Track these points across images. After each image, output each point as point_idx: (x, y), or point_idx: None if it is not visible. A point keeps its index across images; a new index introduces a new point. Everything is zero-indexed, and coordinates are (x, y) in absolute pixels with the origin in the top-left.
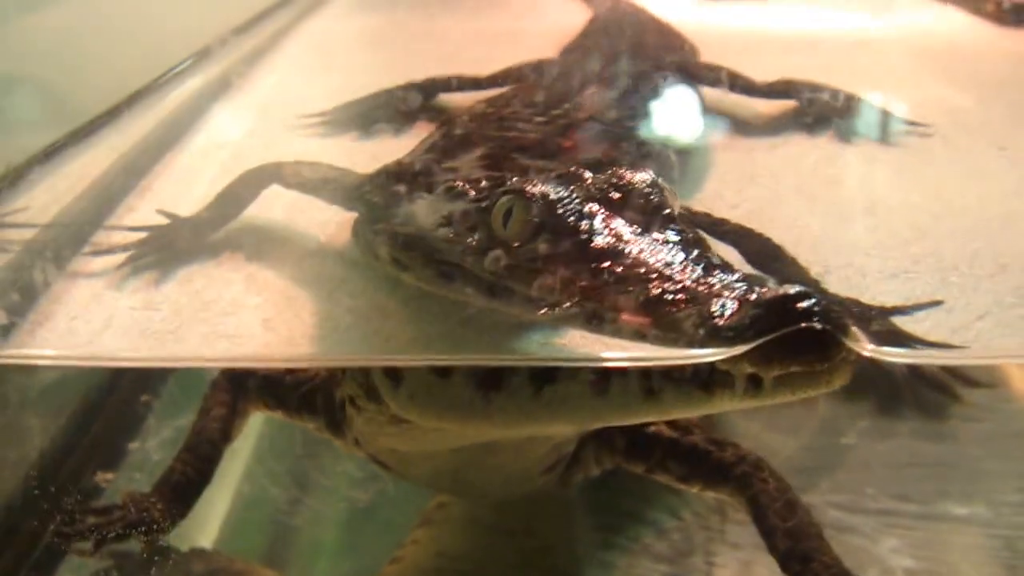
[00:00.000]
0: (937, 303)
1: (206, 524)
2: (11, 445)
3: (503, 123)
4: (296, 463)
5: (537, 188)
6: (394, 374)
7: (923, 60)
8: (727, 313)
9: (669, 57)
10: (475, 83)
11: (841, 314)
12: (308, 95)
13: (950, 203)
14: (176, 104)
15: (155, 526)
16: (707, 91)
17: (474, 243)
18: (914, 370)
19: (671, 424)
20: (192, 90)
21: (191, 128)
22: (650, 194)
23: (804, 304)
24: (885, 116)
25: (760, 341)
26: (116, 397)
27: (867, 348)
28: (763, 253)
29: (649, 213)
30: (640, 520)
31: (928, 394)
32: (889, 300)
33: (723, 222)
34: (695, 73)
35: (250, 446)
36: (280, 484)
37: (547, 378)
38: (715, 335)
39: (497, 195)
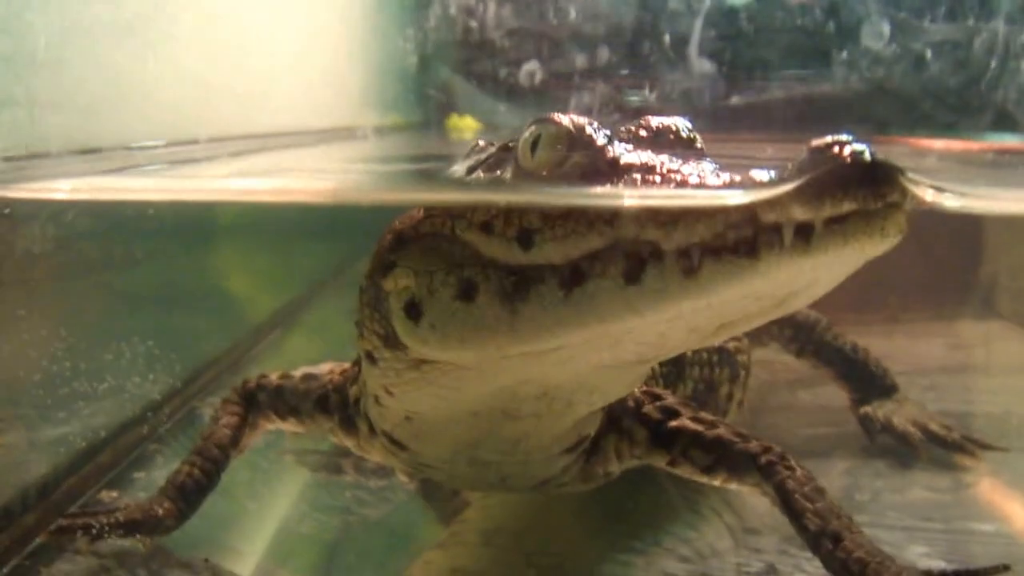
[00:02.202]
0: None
1: None
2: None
3: None
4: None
5: (565, 116)
6: (414, 310)
7: None
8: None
9: None
10: None
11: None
12: None
13: None
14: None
15: (159, 524)
16: None
17: (502, 175)
18: (930, 434)
19: (695, 419)
20: None
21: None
22: (679, 131)
23: (855, 146)
24: None
25: (811, 176)
26: (123, 441)
27: (925, 193)
28: None
29: (680, 146)
30: (659, 529)
31: (943, 454)
32: None
33: None
34: None
35: None
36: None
37: (576, 279)
38: (763, 184)
39: (524, 129)
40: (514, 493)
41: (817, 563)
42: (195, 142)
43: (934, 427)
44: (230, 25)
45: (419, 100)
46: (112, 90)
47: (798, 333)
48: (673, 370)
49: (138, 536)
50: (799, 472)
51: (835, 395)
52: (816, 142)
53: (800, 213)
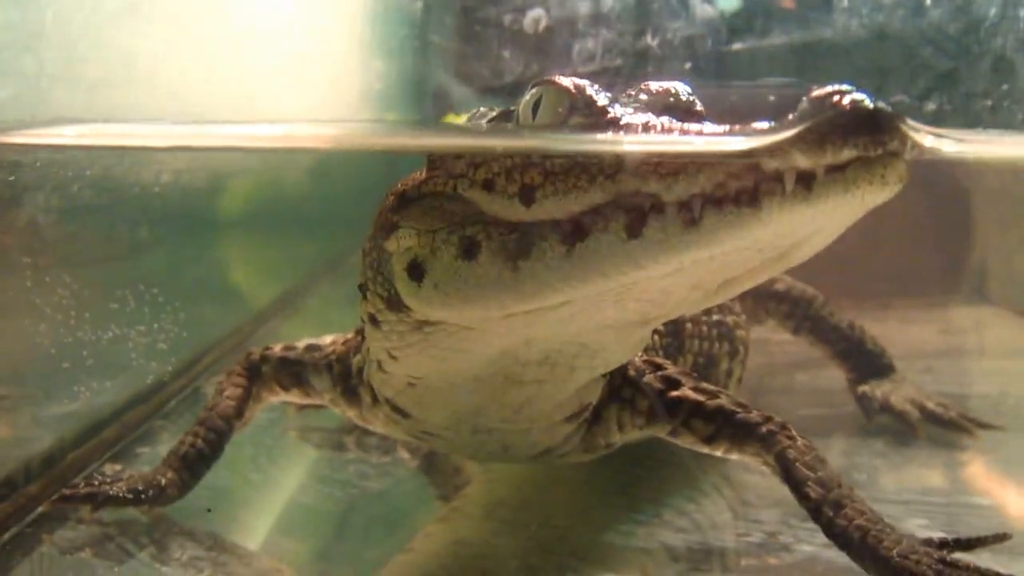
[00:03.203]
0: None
1: None
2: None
3: None
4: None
5: (566, 78)
6: (416, 270)
7: None
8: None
9: None
10: None
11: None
12: None
13: None
14: None
15: (161, 494)
16: None
17: None
18: (928, 413)
19: (696, 389)
20: None
21: None
22: (679, 95)
23: (855, 95)
24: None
25: (812, 123)
26: (130, 416)
27: (924, 140)
28: None
29: (679, 110)
30: (659, 503)
31: (940, 433)
32: None
33: None
34: None
35: None
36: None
37: (578, 234)
38: (764, 132)
39: (525, 92)
40: (516, 463)
41: (818, 534)
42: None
43: (931, 406)
44: (238, 15)
45: (417, 99)
46: (120, 69)
47: (795, 309)
48: (673, 343)
49: (141, 506)
50: (800, 442)
51: (832, 378)
52: (816, 91)
53: (801, 160)
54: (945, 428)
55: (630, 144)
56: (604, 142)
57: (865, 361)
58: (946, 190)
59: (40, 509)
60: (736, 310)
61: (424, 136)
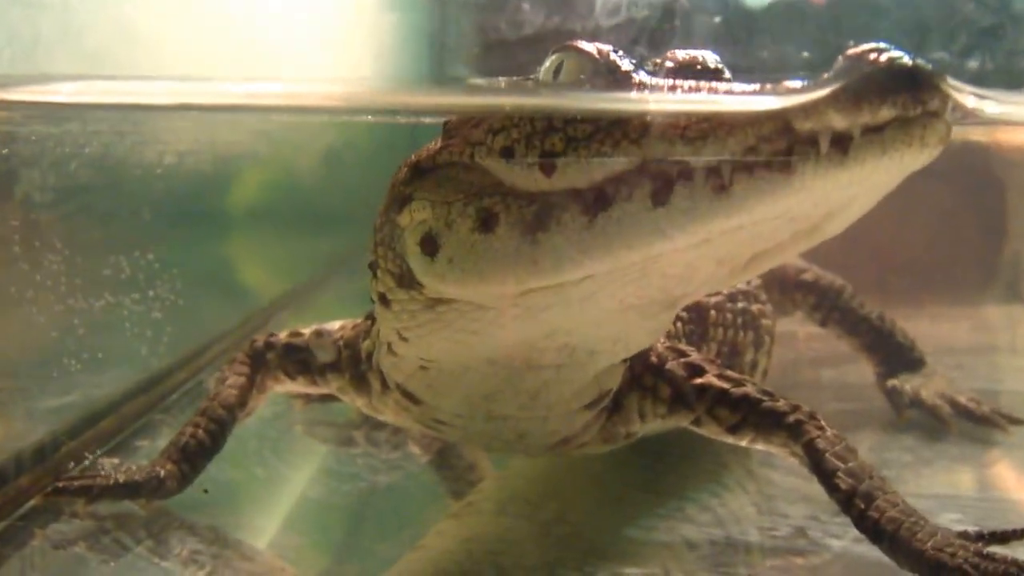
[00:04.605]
0: None
1: None
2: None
3: None
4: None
5: (588, 44)
6: (430, 244)
7: None
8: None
9: None
10: None
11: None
12: None
13: None
14: None
15: (160, 487)
16: None
17: None
18: (960, 407)
19: (721, 376)
20: None
21: None
22: (707, 63)
23: (893, 53)
24: None
25: (848, 82)
26: (128, 408)
27: (965, 100)
28: None
29: (707, 78)
30: (681, 498)
31: (972, 428)
32: None
33: None
34: None
35: None
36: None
37: (601, 204)
38: (796, 91)
39: (546, 59)
40: (532, 454)
41: (848, 529)
42: None
43: (963, 400)
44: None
45: (431, 55)
46: (120, 43)
47: (822, 300)
48: (696, 330)
49: (138, 499)
50: (829, 432)
51: (860, 373)
52: (852, 50)
53: (837, 120)
54: (977, 423)
55: (656, 103)
56: (628, 100)
57: (895, 354)
58: (980, 184)
59: (32, 502)
60: (762, 299)
61: (438, 95)
